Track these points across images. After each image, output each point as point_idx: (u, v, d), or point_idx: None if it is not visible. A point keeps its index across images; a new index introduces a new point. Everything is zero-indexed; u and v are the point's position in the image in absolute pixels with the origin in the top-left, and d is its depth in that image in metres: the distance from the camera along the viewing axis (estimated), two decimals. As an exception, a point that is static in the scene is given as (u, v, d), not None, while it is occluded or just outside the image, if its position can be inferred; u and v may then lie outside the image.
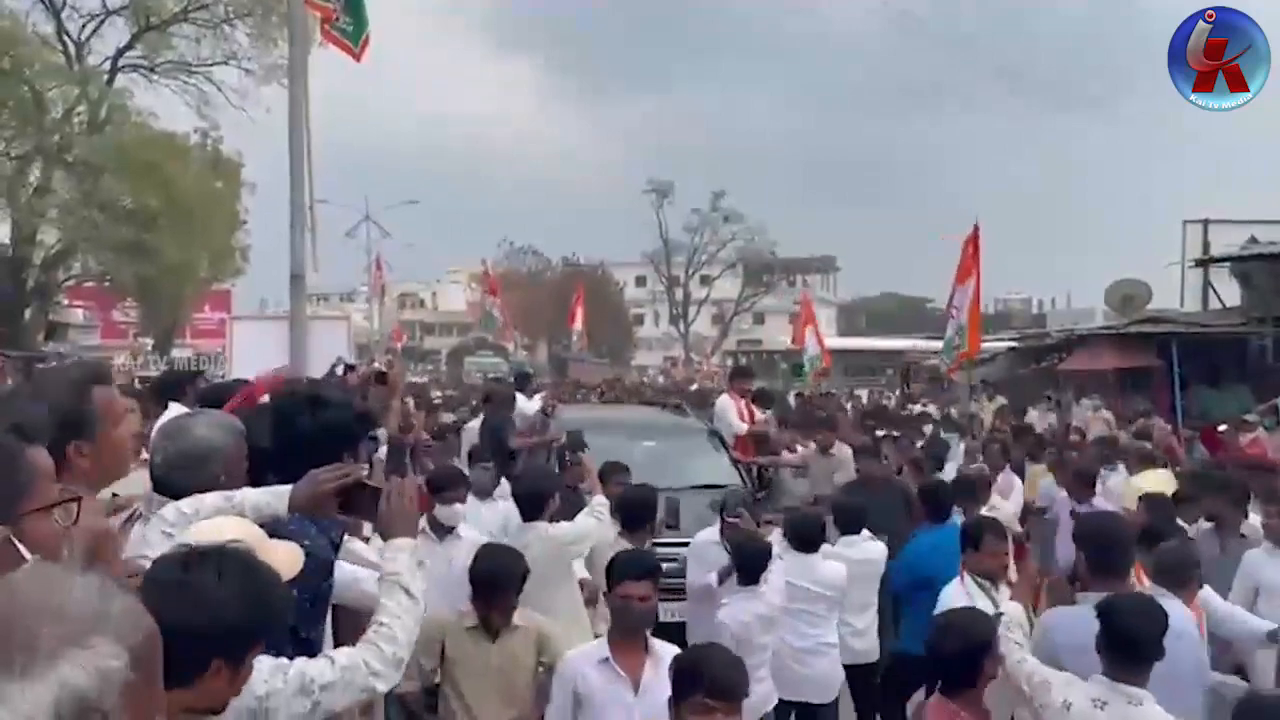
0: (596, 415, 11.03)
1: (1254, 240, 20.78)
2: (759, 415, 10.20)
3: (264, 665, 2.13)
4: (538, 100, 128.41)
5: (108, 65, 25.70)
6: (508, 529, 5.86)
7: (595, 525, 5.37)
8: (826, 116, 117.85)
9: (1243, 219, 23.04)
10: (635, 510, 5.63)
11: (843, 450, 8.82)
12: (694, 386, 30.53)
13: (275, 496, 2.58)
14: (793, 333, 17.41)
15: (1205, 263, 22.06)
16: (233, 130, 27.17)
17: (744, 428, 9.81)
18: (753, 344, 41.89)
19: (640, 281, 66.89)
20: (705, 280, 61.48)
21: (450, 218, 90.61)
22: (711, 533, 6.00)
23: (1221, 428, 13.08)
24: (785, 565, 5.46)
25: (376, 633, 2.39)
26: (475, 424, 10.34)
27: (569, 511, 5.56)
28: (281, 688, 2.15)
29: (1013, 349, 25.68)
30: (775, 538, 5.76)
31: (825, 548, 5.83)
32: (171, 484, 2.72)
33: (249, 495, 2.58)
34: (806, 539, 5.72)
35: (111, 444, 2.42)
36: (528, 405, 10.25)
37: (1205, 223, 23.06)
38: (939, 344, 31.88)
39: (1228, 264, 21.16)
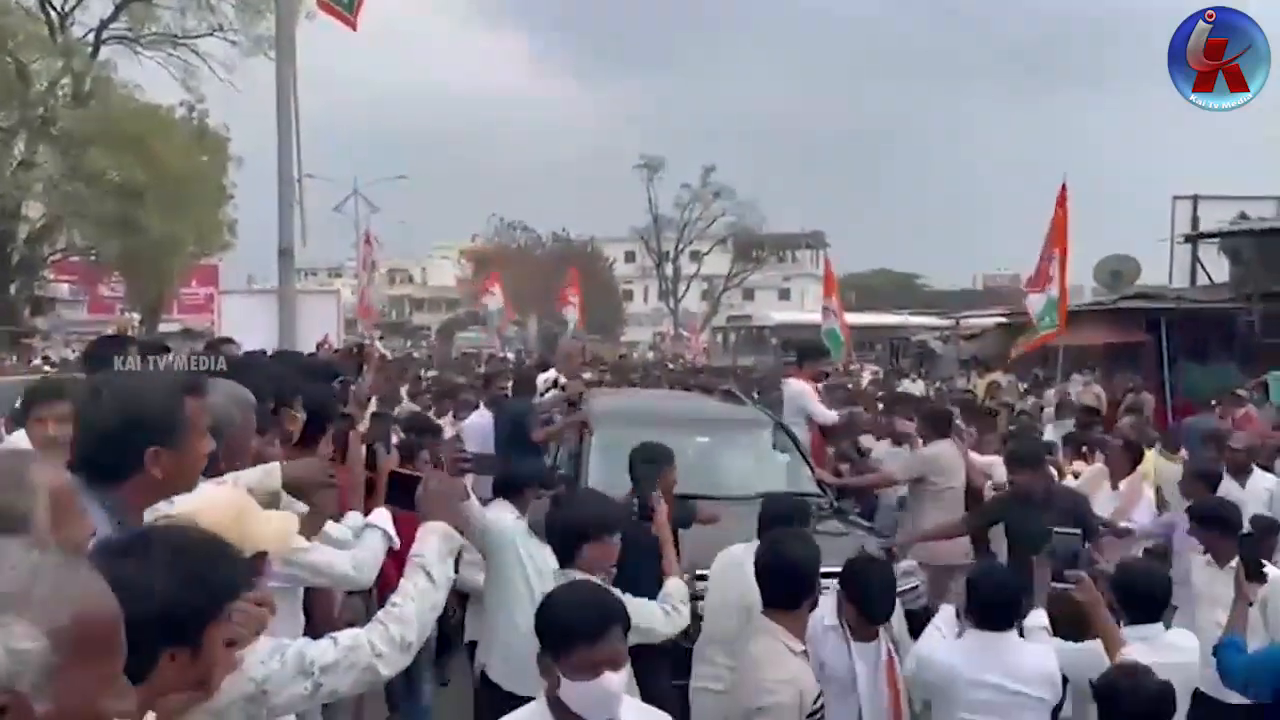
0: (633, 404, 9.22)
1: (1243, 216, 20.86)
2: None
3: (262, 647, 2.08)
4: (529, 75, 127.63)
5: (91, 37, 25.45)
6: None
7: (661, 623, 3.77)
8: (817, 92, 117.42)
9: (1232, 195, 23.10)
10: (791, 576, 3.50)
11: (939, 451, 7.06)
12: (682, 362, 30.59)
13: (266, 474, 2.63)
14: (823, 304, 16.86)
15: (1194, 239, 22.12)
16: (219, 103, 27.03)
17: (832, 416, 8.23)
18: (742, 319, 41.82)
19: (630, 257, 66.76)
20: (695, 256, 61.42)
21: (440, 193, 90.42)
22: (828, 609, 3.82)
23: (1214, 404, 13.16)
24: (965, 649, 3.74)
25: (387, 613, 2.31)
26: (480, 419, 8.72)
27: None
28: (279, 669, 2.09)
29: (1001, 325, 25.74)
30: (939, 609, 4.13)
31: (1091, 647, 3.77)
32: None
33: (242, 476, 2.61)
34: (997, 609, 3.77)
35: (189, 457, 2.30)
36: (539, 383, 8.90)
37: (1195, 199, 23.12)
38: (928, 319, 32.03)
39: (1217, 240, 21.22)
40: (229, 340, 4.88)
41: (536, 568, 4.22)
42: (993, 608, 3.74)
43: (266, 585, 2.37)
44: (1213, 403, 12.83)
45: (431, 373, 20.35)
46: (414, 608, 2.32)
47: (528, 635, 2.58)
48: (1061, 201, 11.11)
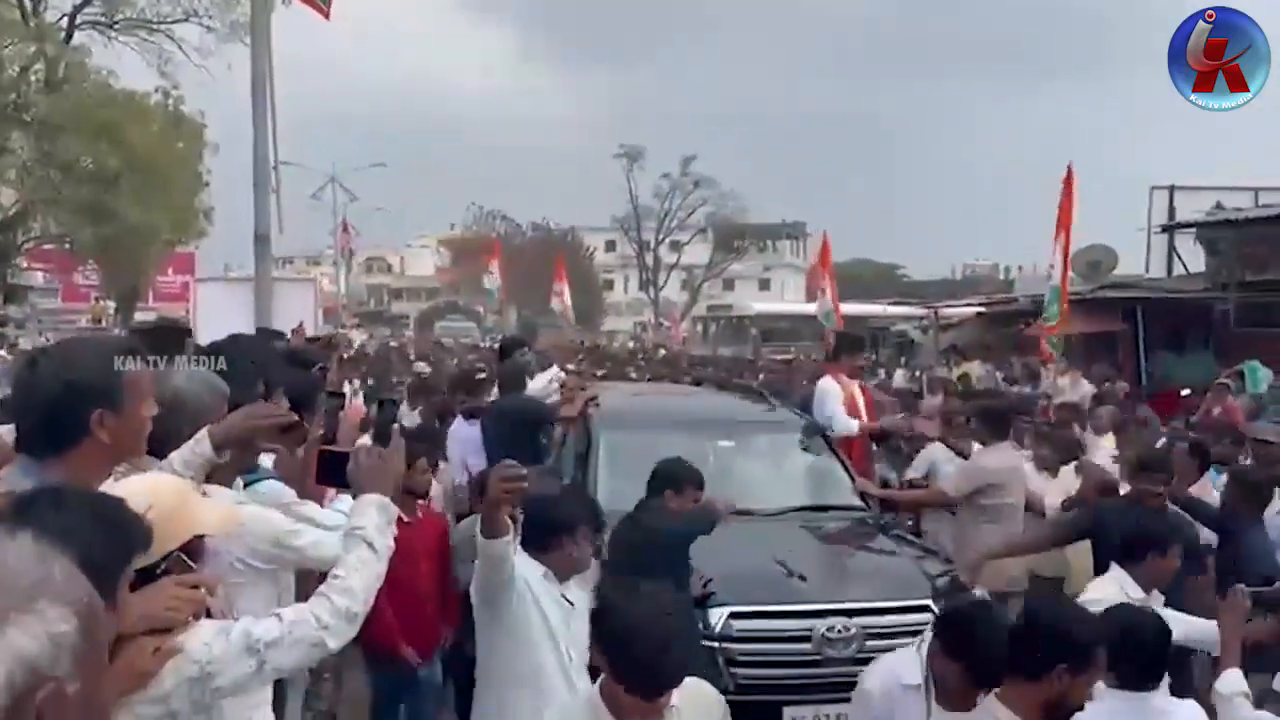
0: (644, 402, 8.11)
1: (1219, 207, 20.98)
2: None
3: (205, 629, 2.08)
4: (509, 63, 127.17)
5: (65, 22, 25.12)
6: None
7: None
8: (799, 83, 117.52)
9: (1209, 186, 23.24)
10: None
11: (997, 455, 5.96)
12: (662, 352, 30.57)
13: (195, 442, 2.59)
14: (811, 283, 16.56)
15: (1171, 229, 22.26)
16: (195, 89, 26.65)
17: (853, 426, 6.77)
18: (723, 309, 41.75)
19: (610, 246, 66.65)
20: (675, 246, 61.36)
21: (419, 182, 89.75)
22: (905, 665, 3.16)
23: (1185, 392, 13.28)
24: (1096, 715, 2.95)
25: (330, 585, 2.29)
26: (464, 427, 7.42)
27: None
28: (223, 650, 2.07)
29: (980, 314, 25.86)
30: None
31: None
32: None
33: (174, 455, 2.57)
34: (1148, 667, 3.13)
35: (134, 421, 2.29)
36: (538, 386, 7.58)
37: (1171, 189, 23.25)
38: (907, 309, 32.16)
39: (1193, 230, 21.36)
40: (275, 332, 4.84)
41: (564, 625, 3.41)
42: (1142, 666, 3.09)
43: (218, 567, 2.39)
44: (1183, 392, 12.94)
45: (420, 366, 19.64)
46: (358, 579, 2.30)
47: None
48: (1067, 186, 10.75)
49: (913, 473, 7.08)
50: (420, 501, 5.09)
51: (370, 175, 43.45)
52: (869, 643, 4.52)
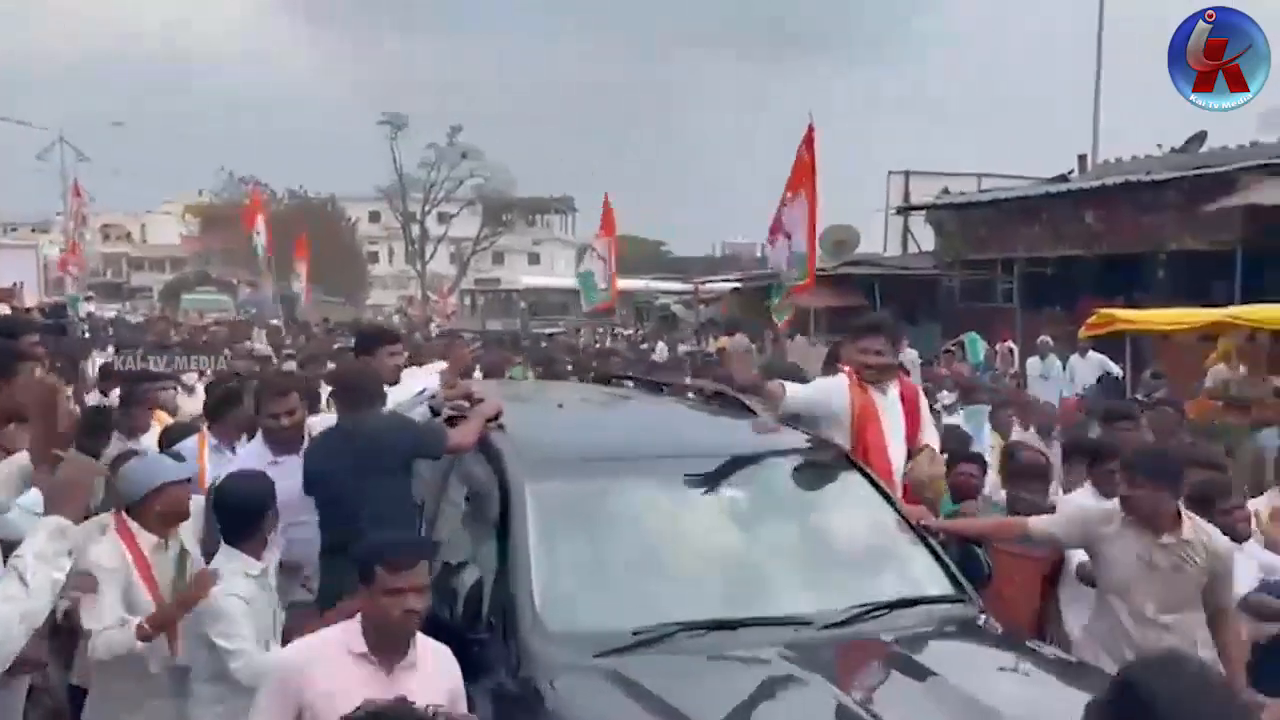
0: (581, 425, 4.66)
1: (946, 191, 22.89)
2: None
3: None
4: (266, 22, 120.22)
5: None
6: None
7: None
8: (566, 56, 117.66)
9: (939, 171, 25.27)
10: None
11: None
12: (433, 325, 30.08)
13: None
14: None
15: (905, 210, 24.08)
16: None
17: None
18: (491, 283, 41.50)
19: (374, 217, 64.66)
20: (443, 218, 60.28)
21: (164, 144, 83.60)
22: None
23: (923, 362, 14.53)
24: None
25: None
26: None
27: None
28: None
29: (736, 289, 27.05)
30: None
31: None
32: None
33: None
34: None
35: None
36: (406, 392, 4.94)
37: (906, 174, 25.09)
38: (671, 285, 33.08)
39: (924, 212, 23.19)
40: None
41: None
42: None
43: None
44: (919, 361, 14.20)
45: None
46: None
47: None
48: (808, 144, 9.64)
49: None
50: None
51: (109, 136, 40.16)
52: None
